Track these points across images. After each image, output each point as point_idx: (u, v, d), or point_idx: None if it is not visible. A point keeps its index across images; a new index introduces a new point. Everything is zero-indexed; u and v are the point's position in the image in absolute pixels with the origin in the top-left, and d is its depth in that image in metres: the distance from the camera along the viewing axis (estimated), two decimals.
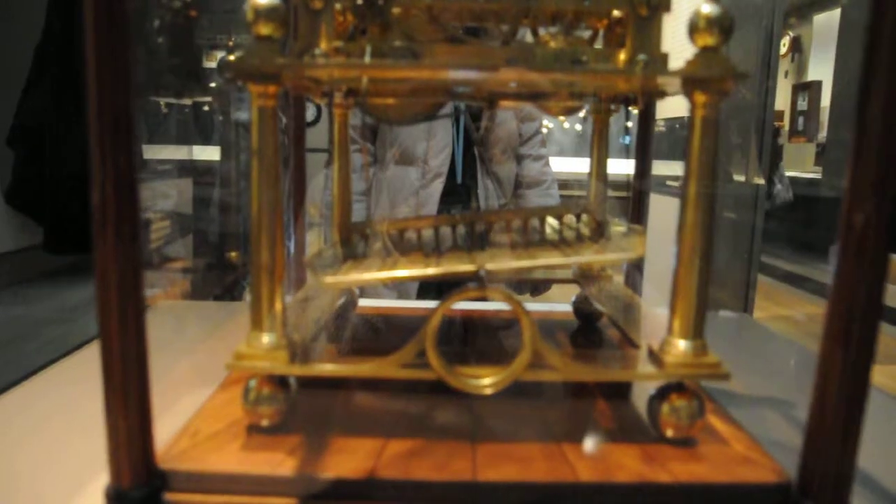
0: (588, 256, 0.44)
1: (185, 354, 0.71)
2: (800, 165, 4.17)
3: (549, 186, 1.40)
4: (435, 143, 1.25)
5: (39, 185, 1.37)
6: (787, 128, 4.57)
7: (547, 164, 1.42)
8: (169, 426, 0.46)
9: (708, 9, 0.40)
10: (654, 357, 0.43)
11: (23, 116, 1.35)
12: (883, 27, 0.33)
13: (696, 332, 0.42)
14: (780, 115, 4.57)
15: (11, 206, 1.54)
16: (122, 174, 0.35)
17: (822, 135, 4.24)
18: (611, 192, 0.71)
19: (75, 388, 0.63)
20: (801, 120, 4.41)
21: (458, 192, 1.29)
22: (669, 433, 0.44)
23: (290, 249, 0.68)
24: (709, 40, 0.40)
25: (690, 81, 0.40)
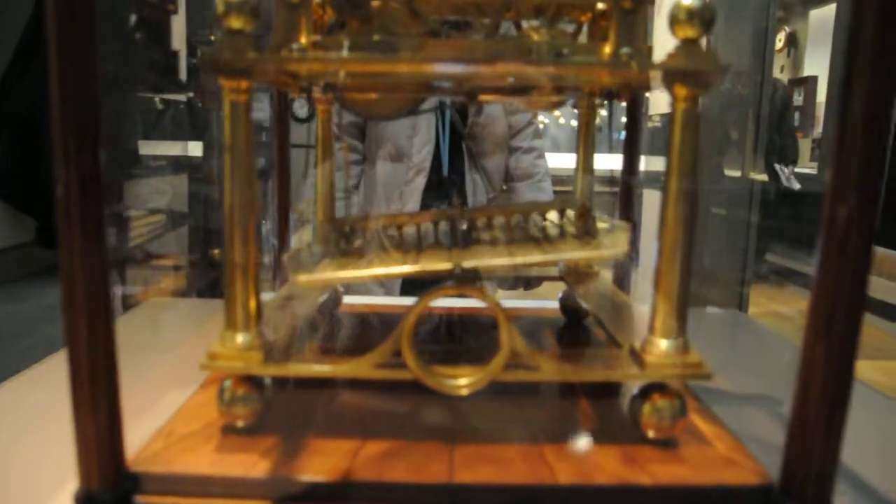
0: (568, 254, 0.44)
1: (169, 352, 0.70)
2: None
3: (541, 179, 1.38)
4: (418, 139, 1.24)
5: (29, 176, 1.34)
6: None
7: (540, 156, 1.39)
8: (148, 427, 0.46)
9: (688, 0, 0.39)
10: (636, 357, 0.42)
11: (8, 103, 1.32)
12: (864, 17, 0.32)
13: (678, 331, 0.41)
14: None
15: (0, 199, 1.52)
16: (87, 174, 0.34)
17: (818, 130, 4.23)
18: (607, 188, 0.70)
19: (64, 385, 0.63)
20: (796, 115, 4.40)
21: (442, 188, 1.27)
22: (651, 434, 0.43)
23: (275, 246, 0.67)
24: (689, 32, 0.39)
25: (671, 74, 0.39)
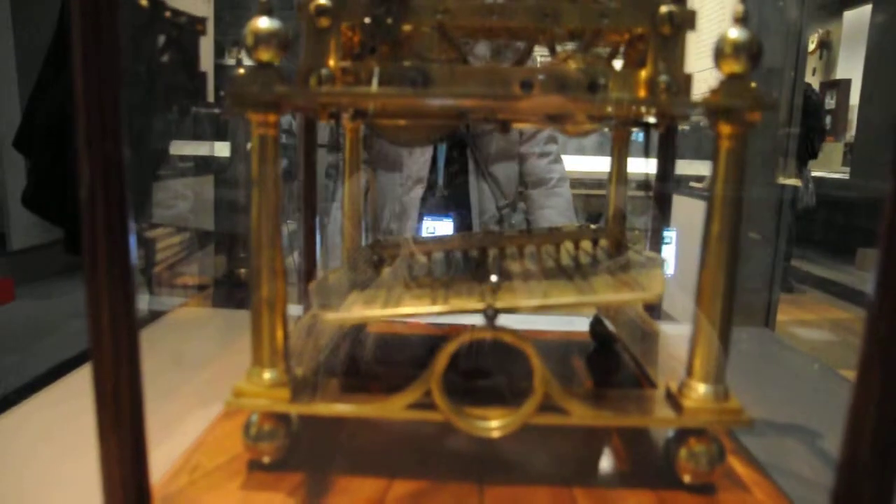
0: (604, 296, 0.42)
1: (201, 366, 0.70)
2: (827, 165, 4.07)
3: (556, 185, 1.32)
4: (415, 148, 1.21)
5: (56, 187, 1.34)
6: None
7: (556, 160, 1.34)
8: (178, 444, 0.46)
9: (735, 34, 0.37)
10: (673, 401, 0.41)
11: (36, 117, 1.33)
12: None
13: (718, 375, 0.40)
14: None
15: (28, 209, 1.53)
16: (109, 162, 0.33)
17: (851, 134, 4.14)
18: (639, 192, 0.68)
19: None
20: (828, 119, 4.31)
21: (442, 197, 1.24)
22: (687, 479, 0.41)
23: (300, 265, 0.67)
24: (735, 67, 0.37)
25: (715, 111, 0.38)
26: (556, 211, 1.29)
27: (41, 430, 0.59)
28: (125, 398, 0.36)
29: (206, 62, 1.02)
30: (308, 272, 0.64)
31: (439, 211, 1.24)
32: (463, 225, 1.23)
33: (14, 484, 0.49)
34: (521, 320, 0.90)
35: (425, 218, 1.23)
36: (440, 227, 1.21)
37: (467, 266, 0.51)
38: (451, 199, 1.24)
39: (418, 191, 1.23)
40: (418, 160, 1.22)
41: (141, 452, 0.37)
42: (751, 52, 0.37)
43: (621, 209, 0.59)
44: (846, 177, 3.63)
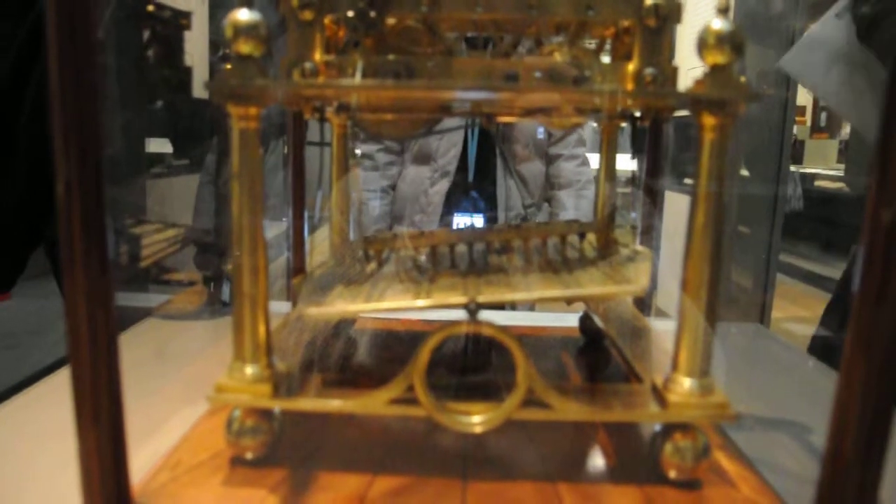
0: (589, 290, 0.42)
1: (185, 366, 0.69)
2: (822, 162, 4.07)
3: (584, 187, 1.33)
4: (444, 142, 1.22)
5: None
6: (808, 124, 4.47)
7: (584, 163, 1.35)
8: (160, 444, 0.46)
9: (718, 25, 0.37)
10: (658, 395, 0.41)
11: None
12: None
13: (703, 369, 0.40)
14: (802, 110, 4.42)
15: None
16: (90, 205, 0.33)
17: (846, 131, 4.14)
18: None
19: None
20: (823, 116, 4.31)
21: (468, 192, 1.25)
22: (673, 474, 0.41)
23: (289, 259, 0.66)
24: (719, 58, 0.37)
25: (698, 103, 0.37)
26: (581, 213, 1.30)
27: (25, 426, 0.58)
28: (104, 394, 0.35)
29: (198, 58, 1.02)
30: (296, 268, 0.63)
31: (467, 207, 1.25)
32: (490, 222, 1.25)
33: None
34: (512, 316, 0.90)
35: (455, 215, 1.24)
36: (469, 223, 1.23)
37: (453, 259, 0.50)
38: (479, 196, 1.25)
39: (444, 185, 1.24)
40: (447, 153, 1.23)
41: (120, 449, 0.36)
42: (734, 42, 0.37)
43: (611, 202, 0.59)
44: (841, 173, 3.63)
